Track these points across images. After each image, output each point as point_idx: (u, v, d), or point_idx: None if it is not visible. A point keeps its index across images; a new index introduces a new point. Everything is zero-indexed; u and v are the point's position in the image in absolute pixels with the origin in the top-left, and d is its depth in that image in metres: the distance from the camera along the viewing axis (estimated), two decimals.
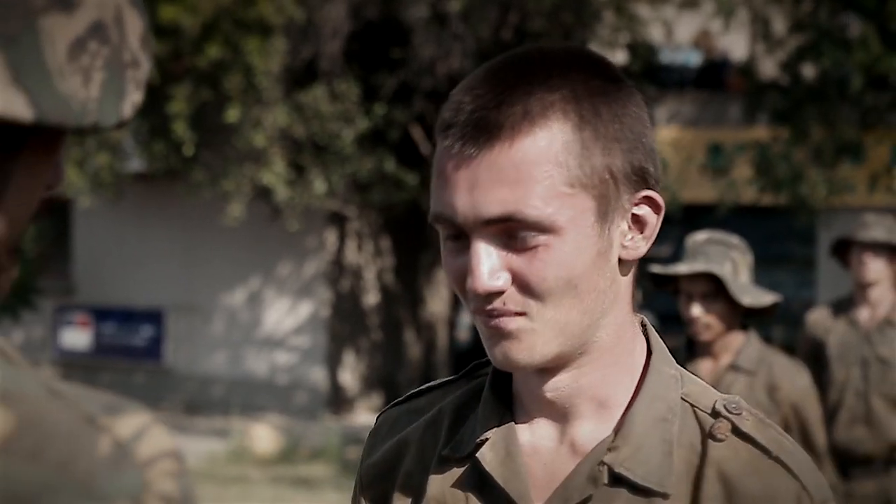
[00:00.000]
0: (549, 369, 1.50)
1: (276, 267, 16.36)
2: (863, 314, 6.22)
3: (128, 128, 13.55)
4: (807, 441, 4.93)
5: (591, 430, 1.51)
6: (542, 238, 1.43)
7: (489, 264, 1.44)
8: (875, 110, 11.80)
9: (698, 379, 1.57)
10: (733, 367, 4.84)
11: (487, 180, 1.42)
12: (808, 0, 11.78)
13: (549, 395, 1.51)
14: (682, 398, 1.53)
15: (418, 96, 13.69)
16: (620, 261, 1.49)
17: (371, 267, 16.32)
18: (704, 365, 4.82)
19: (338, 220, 15.79)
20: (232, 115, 12.99)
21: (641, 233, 1.50)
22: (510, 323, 1.45)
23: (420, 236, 15.23)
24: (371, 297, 16.45)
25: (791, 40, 12.10)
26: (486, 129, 1.43)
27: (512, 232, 1.44)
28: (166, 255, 16.92)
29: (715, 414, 1.51)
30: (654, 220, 1.50)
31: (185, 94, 13.13)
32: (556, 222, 1.43)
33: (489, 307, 1.45)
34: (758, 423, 1.51)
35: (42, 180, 1.04)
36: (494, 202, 1.42)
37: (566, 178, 1.43)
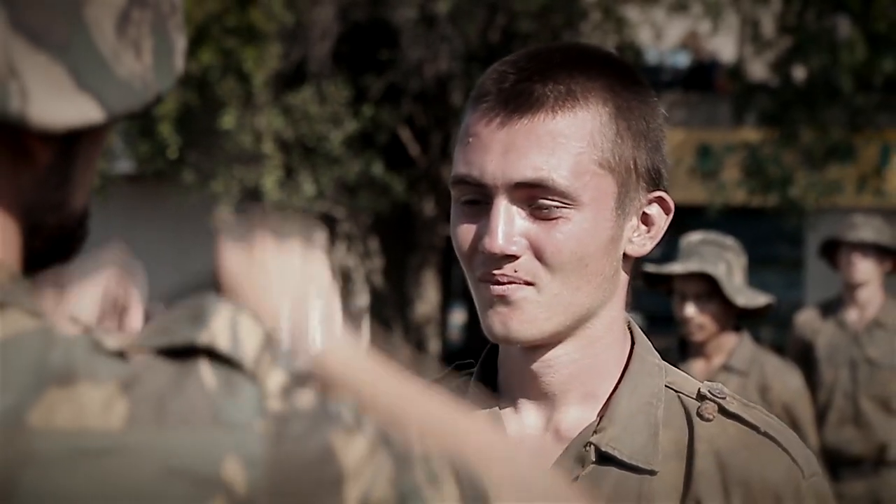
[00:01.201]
0: (540, 350, 1.53)
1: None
2: (851, 315, 6.22)
3: (116, 129, 13.56)
4: None
5: (576, 416, 1.54)
6: (564, 210, 1.48)
7: (509, 226, 1.48)
8: (864, 112, 11.82)
9: (681, 371, 1.61)
10: (726, 368, 4.85)
11: (524, 145, 1.47)
12: (795, 2, 11.80)
13: (539, 379, 1.54)
14: (666, 385, 1.56)
15: (406, 98, 13.69)
16: (625, 256, 1.54)
17: (360, 269, 16.32)
18: (697, 365, 4.83)
19: (327, 222, 15.79)
20: (227, 121, 12.99)
21: (648, 232, 1.55)
22: (517, 291, 1.48)
23: (409, 238, 15.23)
24: (360, 299, 16.44)
25: (780, 42, 12.12)
26: (529, 98, 1.48)
27: (536, 200, 1.48)
28: (156, 256, 16.89)
29: (700, 397, 1.55)
30: (661, 222, 1.56)
31: (174, 96, 13.11)
32: (581, 197, 1.48)
33: (499, 272, 1.48)
34: (742, 405, 1.55)
35: (99, 149, 1.08)
36: (528, 166, 1.47)
37: (598, 157, 1.49)
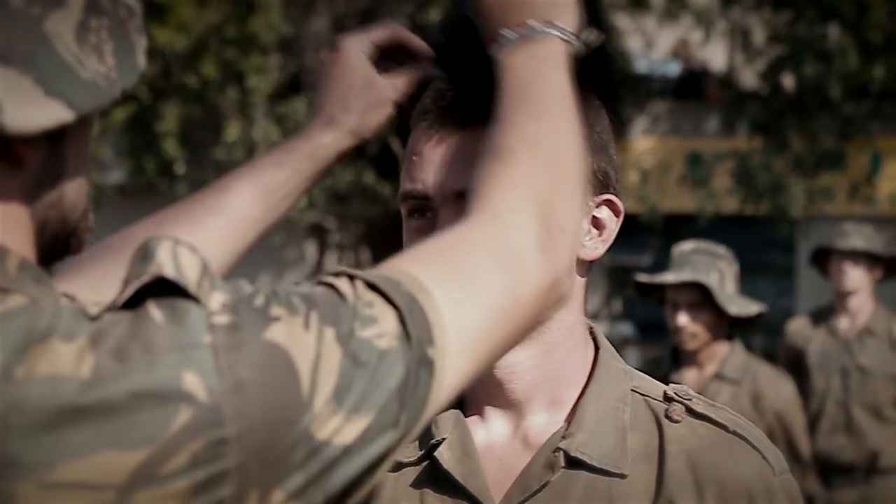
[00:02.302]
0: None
1: (256, 279, 16.34)
2: (842, 323, 6.23)
3: (108, 140, 13.53)
4: (791, 450, 4.95)
5: (543, 423, 1.55)
6: None
7: None
8: (854, 120, 11.84)
9: (646, 375, 1.61)
10: (718, 377, 4.85)
11: (463, 157, 1.49)
12: (786, 10, 11.82)
13: (503, 387, 1.55)
14: (632, 389, 1.57)
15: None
16: (578, 260, 1.54)
17: (348, 268, 16.31)
18: (689, 374, 4.83)
19: (318, 232, 15.78)
20: (231, 133, 12.99)
21: (600, 235, 1.56)
22: None
23: (400, 247, 15.19)
24: None
25: (770, 50, 12.14)
26: (466, 113, 1.50)
27: None
28: None
29: (668, 399, 1.55)
30: (612, 224, 1.57)
31: (174, 112, 13.11)
32: None
33: None
34: (709, 406, 1.56)
35: (87, 145, 1.21)
36: (468, 176, 1.46)
37: None
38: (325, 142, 1.59)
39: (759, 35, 12.41)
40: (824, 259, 6.30)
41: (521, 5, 1.44)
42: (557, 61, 1.42)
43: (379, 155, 14.08)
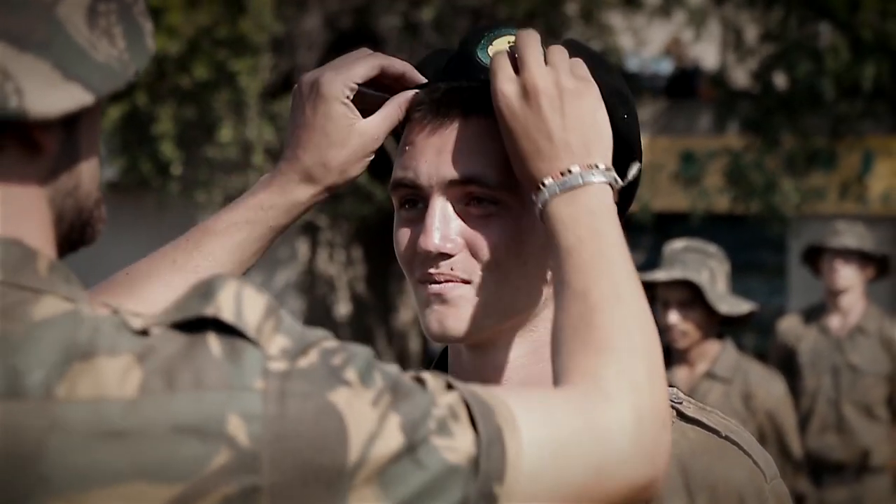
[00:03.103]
0: (488, 356, 1.53)
1: (248, 277, 16.30)
2: (834, 322, 6.24)
3: (101, 138, 13.55)
4: (782, 448, 4.96)
5: None
6: (498, 207, 1.48)
7: (444, 225, 1.48)
8: (846, 119, 11.85)
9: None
10: (709, 375, 4.86)
11: (455, 145, 1.48)
12: (778, 9, 11.82)
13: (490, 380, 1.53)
14: None
15: None
16: None
17: (343, 276, 16.31)
18: (680, 372, 4.84)
19: (310, 230, 15.77)
20: (225, 134, 12.98)
21: None
22: (454, 290, 1.49)
23: (391, 246, 15.21)
24: (343, 307, 16.44)
25: (762, 49, 12.15)
26: (459, 104, 1.50)
27: (471, 198, 1.48)
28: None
29: None
30: None
31: (169, 113, 13.11)
32: (514, 193, 1.47)
33: (436, 272, 1.49)
34: (700, 410, 1.55)
35: (97, 133, 1.22)
36: (459, 164, 1.47)
37: None
38: (302, 199, 1.53)
39: (750, 34, 12.41)
40: (816, 258, 6.31)
41: (559, 150, 1.39)
42: (610, 213, 1.38)
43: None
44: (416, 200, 1.52)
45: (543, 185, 1.39)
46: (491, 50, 1.51)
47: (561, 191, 1.38)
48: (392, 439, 1.09)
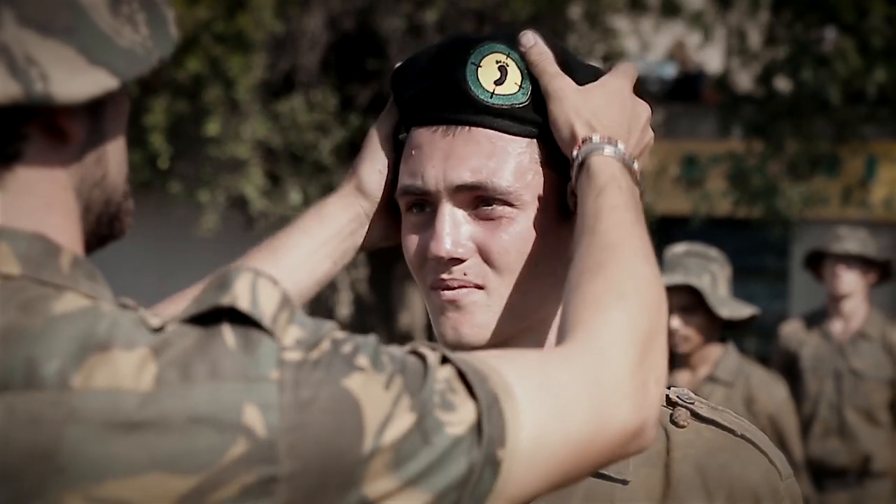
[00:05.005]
0: None
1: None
2: (836, 327, 6.24)
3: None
4: (784, 453, 4.96)
5: None
6: (508, 211, 1.48)
7: (454, 230, 1.48)
8: (850, 124, 11.84)
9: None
10: (711, 379, 4.86)
11: (463, 150, 1.48)
12: (784, 13, 11.82)
13: None
14: None
15: None
16: None
17: (345, 278, 16.30)
18: (682, 376, 4.84)
19: None
20: (212, 128, 12.98)
21: None
22: (467, 296, 1.48)
23: (394, 248, 15.19)
24: (345, 309, 16.44)
25: (766, 54, 12.14)
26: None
27: (479, 203, 1.48)
28: (140, 265, 16.86)
29: (672, 404, 1.54)
30: None
31: (163, 106, 13.10)
32: (524, 196, 1.48)
33: (449, 277, 1.48)
34: (713, 409, 1.55)
35: (124, 122, 1.22)
36: (468, 169, 1.47)
37: (539, 156, 1.49)
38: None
39: (755, 38, 12.41)
40: (818, 262, 6.30)
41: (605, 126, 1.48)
42: (632, 191, 1.45)
43: None
44: (424, 204, 1.52)
45: (590, 139, 1.44)
46: (481, 74, 1.49)
47: (605, 152, 1.44)
48: (404, 420, 1.10)
